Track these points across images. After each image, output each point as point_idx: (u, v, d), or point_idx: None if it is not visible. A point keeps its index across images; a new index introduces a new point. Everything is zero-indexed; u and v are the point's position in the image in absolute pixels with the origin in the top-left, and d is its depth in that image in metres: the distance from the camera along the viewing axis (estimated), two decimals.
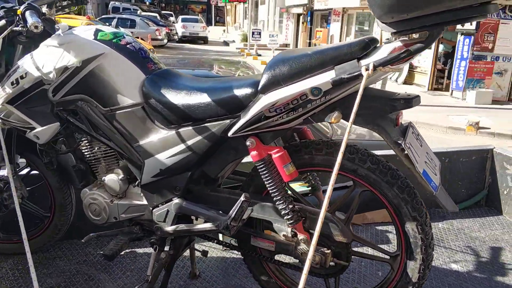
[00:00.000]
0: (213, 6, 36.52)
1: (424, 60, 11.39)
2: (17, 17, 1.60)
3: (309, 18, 19.43)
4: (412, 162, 1.28)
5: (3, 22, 1.62)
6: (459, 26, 9.92)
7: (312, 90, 1.29)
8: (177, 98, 1.51)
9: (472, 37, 9.71)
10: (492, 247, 2.36)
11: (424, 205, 1.43)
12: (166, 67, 1.70)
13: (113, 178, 1.67)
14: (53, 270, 2.07)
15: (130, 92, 1.55)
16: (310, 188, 1.72)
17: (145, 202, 1.66)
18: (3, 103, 1.63)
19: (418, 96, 1.32)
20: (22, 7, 1.55)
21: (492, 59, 9.90)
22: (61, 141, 1.77)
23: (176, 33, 23.12)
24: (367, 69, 1.18)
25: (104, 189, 1.70)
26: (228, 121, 1.44)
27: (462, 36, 9.95)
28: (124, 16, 20.52)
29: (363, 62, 1.24)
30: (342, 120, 1.36)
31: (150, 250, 2.24)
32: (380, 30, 13.31)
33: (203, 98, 1.47)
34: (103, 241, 2.32)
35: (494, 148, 2.82)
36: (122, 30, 1.80)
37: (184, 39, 23.30)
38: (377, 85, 8.99)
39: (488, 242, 2.42)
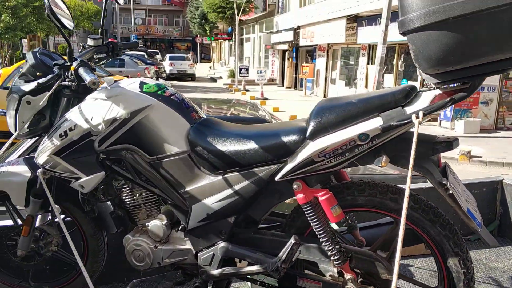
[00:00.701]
0: (198, 44, 37.29)
1: None
2: (67, 73, 1.67)
3: (294, 54, 19.97)
4: (457, 201, 1.36)
5: (50, 78, 1.69)
6: None
7: (360, 136, 1.37)
8: (224, 145, 1.58)
9: None
10: None
11: (464, 240, 1.50)
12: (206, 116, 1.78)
13: (157, 224, 1.70)
14: None
15: (176, 141, 1.62)
16: (347, 227, 1.78)
17: (188, 246, 1.69)
18: (50, 154, 1.67)
19: (457, 139, 1.41)
20: (75, 63, 1.62)
21: (478, 90, 10.26)
22: (101, 190, 1.81)
23: (164, 71, 23.42)
24: (417, 117, 1.27)
25: (147, 235, 1.73)
26: (275, 166, 1.51)
27: None
28: None
29: (409, 109, 1.33)
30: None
31: None
32: (361, 65, 13.74)
33: (250, 145, 1.54)
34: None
35: (504, 179, 2.93)
36: (162, 81, 1.88)
37: (172, 77, 23.60)
38: None
39: (508, 272, 2.48)
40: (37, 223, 2.00)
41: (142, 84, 1.68)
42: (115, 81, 1.71)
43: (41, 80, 1.66)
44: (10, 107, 1.78)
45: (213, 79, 25.01)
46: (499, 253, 2.74)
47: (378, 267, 1.51)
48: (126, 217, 1.84)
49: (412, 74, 11.83)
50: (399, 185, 1.57)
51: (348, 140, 1.39)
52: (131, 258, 1.75)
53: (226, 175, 1.58)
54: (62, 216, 2.09)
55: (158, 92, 1.67)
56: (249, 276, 1.77)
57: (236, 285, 2.31)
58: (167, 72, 23.56)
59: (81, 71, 1.55)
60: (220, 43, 37.62)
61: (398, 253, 1.06)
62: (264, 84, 16.75)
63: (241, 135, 1.59)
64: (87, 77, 1.50)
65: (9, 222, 2.06)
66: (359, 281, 1.55)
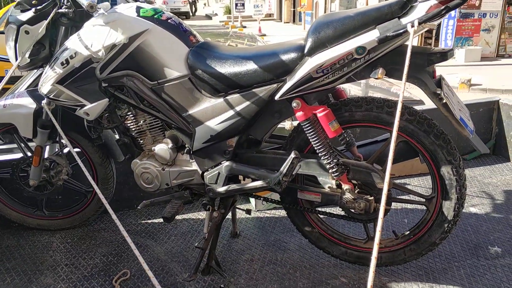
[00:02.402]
0: None
1: None
2: (63, 0, 1.66)
3: None
4: (451, 110, 1.41)
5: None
6: None
7: (357, 49, 1.39)
8: (223, 67, 1.60)
9: None
10: (505, 190, 2.54)
11: (457, 149, 1.57)
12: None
13: (163, 148, 1.77)
14: (102, 241, 2.19)
15: (176, 65, 1.64)
16: (345, 144, 1.84)
17: (194, 167, 1.77)
18: (54, 83, 1.70)
19: (452, 49, 1.43)
20: None
21: (479, 16, 10.01)
22: (106, 117, 1.86)
23: None
24: (412, 26, 1.29)
25: (154, 159, 1.81)
26: (275, 85, 1.55)
27: None
28: None
29: (405, 20, 1.34)
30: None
31: (189, 216, 2.38)
32: None
33: (249, 66, 1.57)
34: (142, 212, 2.45)
35: (500, 99, 2.97)
36: (158, 5, 1.87)
37: None
38: None
39: (500, 187, 2.60)
40: (46, 154, 2.08)
41: (138, 8, 1.67)
42: (112, 7, 1.70)
43: (38, 7, 1.65)
44: (9, 38, 1.78)
45: (208, 16, 24.29)
46: (493, 170, 2.84)
47: (374, 177, 1.59)
48: (132, 144, 1.90)
49: None
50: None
51: (345, 54, 1.41)
52: (140, 181, 1.84)
53: (227, 97, 1.62)
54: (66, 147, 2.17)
55: (155, 16, 1.66)
56: (254, 193, 1.87)
57: (242, 206, 2.44)
58: None
59: None
60: None
61: (391, 155, 1.13)
62: (262, 20, 16.30)
63: (240, 56, 1.60)
64: (84, 1, 1.49)
65: (20, 155, 2.14)
66: (356, 191, 1.64)
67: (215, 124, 1.64)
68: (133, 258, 2.04)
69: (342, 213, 1.73)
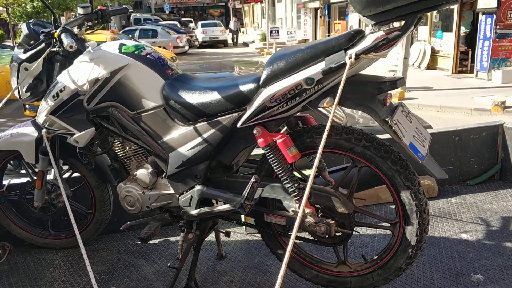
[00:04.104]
0: (231, 8, 36.93)
1: (446, 44, 11.28)
2: (54, 39, 1.86)
3: (326, 11, 19.44)
4: (399, 136, 1.45)
5: (42, 45, 1.89)
6: (480, 5, 9.81)
7: (307, 80, 1.48)
8: (192, 97, 1.73)
9: (494, 15, 9.56)
10: (503, 217, 2.47)
11: (417, 175, 1.60)
12: (183, 72, 1.93)
13: (143, 172, 1.91)
14: (98, 260, 2.34)
15: (152, 96, 1.79)
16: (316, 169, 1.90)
17: (172, 191, 1.89)
18: (47, 114, 1.89)
19: (402, 78, 1.49)
20: (58, 30, 1.81)
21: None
22: (97, 144, 2.03)
23: (197, 39, 23.57)
24: (350, 58, 1.36)
25: (136, 183, 1.94)
26: (236, 114, 1.65)
27: (484, 15, 9.80)
28: (145, 26, 21.08)
29: (349, 52, 1.42)
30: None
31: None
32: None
33: (214, 96, 1.69)
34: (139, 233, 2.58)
35: (505, 123, 2.91)
36: (142, 42, 2.04)
37: (205, 44, 23.72)
38: (399, 72, 9.02)
39: (499, 213, 2.53)
40: (49, 178, 2.27)
41: (121, 45, 1.85)
42: (98, 44, 1.88)
43: (32, 46, 1.86)
44: (12, 74, 2.01)
45: (246, 44, 24.90)
46: (496, 195, 2.77)
47: (335, 202, 1.63)
48: (122, 169, 2.05)
49: (449, 24, 11.30)
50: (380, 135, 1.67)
51: (295, 85, 1.49)
52: (124, 203, 1.98)
53: (196, 125, 1.74)
54: (70, 172, 2.35)
55: (135, 52, 1.83)
56: (230, 217, 1.95)
57: (234, 229, 2.52)
58: (200, 40, 23.70)
59: (62, 36, 1.74)
60: (252, 6, 37.03)
61: (313, 171, 1.19)
62: None
63: (208, 87, 1.73)
64: (65, 41, 1.68)
65: (27, 179, 2.35)
66: (319, 215, 1.69)
67: (186, 150, 1.76)
68: (123, 276, 2.17)
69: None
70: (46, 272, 2.24)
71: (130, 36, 16.62)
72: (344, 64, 1.39)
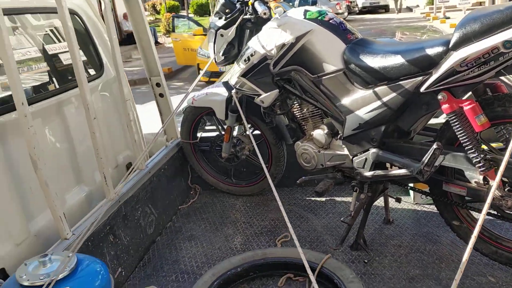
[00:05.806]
0: None
1: None
2: (247, 7, 2.08)
3: None
4: None
5: (237, 13, 2.14)
6: None
7: (505, 43, 1.38)
8: (374, 61, 1.76)
9: None
10: None
11: None
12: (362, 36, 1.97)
13: (320, 133, 2.05)
14: (272, 208, 2.61)
15: (333, 60, 1.88)
16: (503, 142, 1.76)
17: (346, 152, 1.99)
18: (239, 76, 2.15)
19: None
20: None
21: None
22: (277, 106, 2.24)
23: (356, 4, 22.77)
24: None
25: (312, 142, 2.10)
26: (420, 78, 1.63)
27: None
28: None
29: None
30: None
31: (347, 198, 2.59)
32: None
33: (397, 59, 1.69)
34: (308, 190, 2.77)
35: None
36: (324, 8, 2.13)
37: (364, 10, 22.75)
38: None
39: None
40: (235, 133, 2.59)
41: (305, 11, 1.97)
42: (285, 11, 2.04)
43: (228, 15, 2.12)
44: (209, 39, 2.32)
45: (409, 9, 23.09)
46: None
47: None
48: (298, 129, 2.24)
49: None
50: None
51: (490, 48, 1.41)
52: (300, 160, 2.16)
53: (375, 89, 1.78)
54: (251, 129, 2.64)
55: (318, 18, 1.93)
56: (401, 182, 1.97)
57: (401, 197, 2.52)
58: (359, 5, 22.82)
59: (256, 4, 1.94)
60: None
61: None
62: (467, 9, 14.68)
63: (390, 51, 1.74)
64: (259, 9, 1.87)
65: (216, 133, 2.72)
66: (506, 189, 1.59)
67: (364, 113, 1.82)
68: (295, 225, 2.39)
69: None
70: (230, 213, 2.61)
71: (291, 4, 16.92)
72: None
